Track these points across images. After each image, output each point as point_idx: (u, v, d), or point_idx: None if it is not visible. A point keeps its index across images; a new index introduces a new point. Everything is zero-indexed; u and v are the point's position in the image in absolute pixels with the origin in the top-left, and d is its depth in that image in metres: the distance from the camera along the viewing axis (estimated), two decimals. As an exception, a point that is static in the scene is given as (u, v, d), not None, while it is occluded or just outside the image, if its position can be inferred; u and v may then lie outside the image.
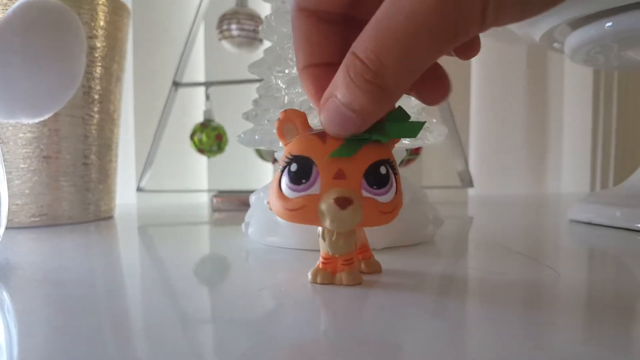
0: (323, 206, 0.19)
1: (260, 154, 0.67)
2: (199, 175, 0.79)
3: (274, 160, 0.65)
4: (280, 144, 0.21)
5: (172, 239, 0.39)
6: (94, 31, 0.45)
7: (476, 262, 0.28)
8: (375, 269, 0.24)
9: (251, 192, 0.36)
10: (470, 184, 0.63)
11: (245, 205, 0.52)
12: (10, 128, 0.42)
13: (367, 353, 0.14)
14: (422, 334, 0.16)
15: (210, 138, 0.63)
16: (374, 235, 0.28)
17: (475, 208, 0.62)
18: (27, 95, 0.29)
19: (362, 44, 0.16)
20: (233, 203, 0.57)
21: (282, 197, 0.20)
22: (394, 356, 0.14)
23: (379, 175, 0.20)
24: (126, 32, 0.50)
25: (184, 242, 0.37)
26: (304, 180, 0.19)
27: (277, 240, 0.31)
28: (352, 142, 0.19)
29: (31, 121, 0.31)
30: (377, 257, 0.25)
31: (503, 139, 0.88)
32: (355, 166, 0.19)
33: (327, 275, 0.22)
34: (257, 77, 0.33)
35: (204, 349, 0.15)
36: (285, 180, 0.20)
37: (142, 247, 0.36)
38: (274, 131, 0.30)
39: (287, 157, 0.20)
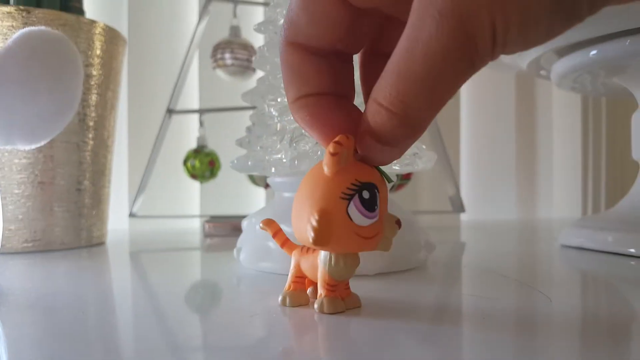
0: (388, 230, 0.20)
1: (253, 179, 0.67)
2: (191, 201, 0.79)
3: (267, 186, 0.65)
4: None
5: (164, 265, 0.39)
6: (90, 60, 0.45)
7: (468, 287, 0.29)
8: (356, 303, 0.23)
9: (243, 217, 0.36)
10: (461, 209, 0.64)
11: (238, 230, 0.52)
12: (6, 154, 0.42)
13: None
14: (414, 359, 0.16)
15: (203, 164, 0.64)
16: (366, 261, 0.28)
17: (467, 233, 0.62)
18: (24, 122, 0.29)
19: (383, 90, 0.17)
20: (225, 228, 0.57)
21: (356, 227, 0.19)
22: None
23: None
24: (122, 60, 0.51)
25: (175, 268, 0.37)
26: (375, 207, 0.19)
27: (269, 265, 0.31)
28: (379, 168, 0.20)
29: (28, 147, 0.31)
30: (371, 282, 0.25)
31: (494, 164, 0.89)
32: (385, 191, 0.20)
33: (341, 303, 0.22)
34: (250, 105, 0.34)
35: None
36: (358, 208, 0.19)
37: (134, 273, 0.36)
38: (267, 157, 0.31)
39: (354, 185, 0.19)
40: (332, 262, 0.21)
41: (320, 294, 0.22)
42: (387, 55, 0.17)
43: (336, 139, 0.19)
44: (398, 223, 0.20)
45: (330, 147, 0.19)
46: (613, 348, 0.17)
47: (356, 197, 0.19)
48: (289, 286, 0.23)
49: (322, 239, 0.19)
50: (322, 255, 0.21)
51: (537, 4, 0.14)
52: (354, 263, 0.21)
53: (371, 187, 0.19)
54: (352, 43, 0.20)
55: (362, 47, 0.21)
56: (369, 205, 0.19)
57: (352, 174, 0.19)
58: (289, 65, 0.20)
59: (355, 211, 0.19)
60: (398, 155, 0.19)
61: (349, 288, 0.22)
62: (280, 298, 0.23)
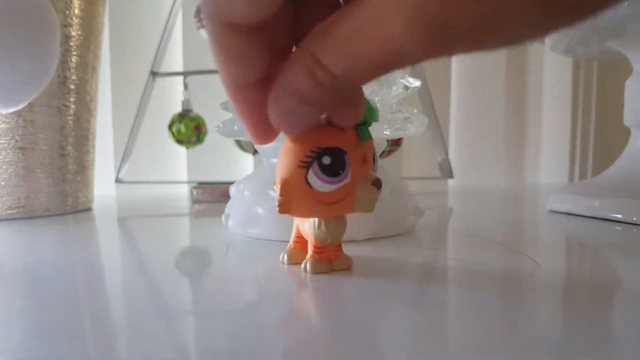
0: (361, 192, 0.19)
1: (240, 145, 0.66)
2: (178, 167, 0.78)
3: (255, 152, 0.64)
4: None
5: (152, 231, 0.38)
6: (69, 19, 0.44)
7: (456, 252, 0.29)
8: (347, 265, 0.24)
9: (232, 183, 0.36)
10: (450, 174, 0.64)
11: (226, 196, 0.52)
12: (-17, 118, 0.41)
13: (349, 341, 0.14)
14: (403, 322, 0.16)
15: (189, 129, 0.63)
16: (355, 227, 0.28)
17: (455, 199, 0.62)
18: (0, 84, 0.28)
19: (332, 57, 0.16)
20: (213, 195, 0.57)
21: (316, 193, 0.19)
22: (375, 344, 0.14)
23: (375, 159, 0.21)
24: (102, 21, 0.49)
25: (164, 235, 0.36)
26: (340, 171, 0.19)
27: (258, 232, 0.30)
28: (364, 126, 0.20)
29: (5, 111, 0.30)
30: (359, 247, 0.25)
31: (483, 131, 0.89)
32: (368, 150, 0.20)
33: (327, 265, 0.22)
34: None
35: (186, 342, 0.15)
36: (317, 175, 0.19)
37: (122, 240, 0.35)
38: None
39: (312, 151, 0.19)
40: (316, 226, 0.21)
41: (309, 255, 0.22)
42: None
43: None
44: (375, 183, 0.19)
45: None
46: (596, 310, 0.18)
47: (315, 164, 0.19)
48: (290, 245, 0.24)
49: (283, 208, 0.20)
50: (311, 219, 0.21)
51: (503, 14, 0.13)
52: (339, 227, 0.21)
53: (333, 152, 0.19)
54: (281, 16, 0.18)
55: (288, 13, 0.19)
56: (330, 171, 0.19)
57: (313, 139, 0.19)
58: (226, 47, 0.17)
59: (314, 178, 0.19)
60: (313, 120, 0.18)
61: (339, 250, 0.23)
62: (281, 256, 0.24)
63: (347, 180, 0.19)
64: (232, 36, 0.17)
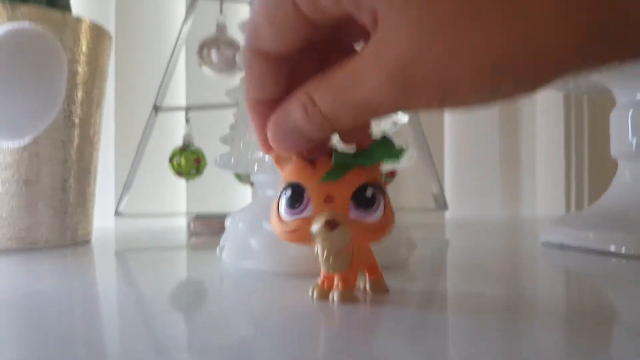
0: (314, 228, 0.21)
1: (239, 177, 0.68)
2: (178, 199, 0.79)
3: (253, 184, 0.65)
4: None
5: (149, 263, 0.39)
6: (76, 56, 0.45)
7: (450, 283, 0.29)
8: (380, 289, 0.25)
9: (229, 215, 0.36)
10: (445, 206, 0.64)
11: (223, 228, 0.53)
12: (-11, 152, 0.42)
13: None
14: (396, 354, 0.17)
15: (189, 161, 0.64)
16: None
17: (451, 231, 0.63)
18: (7, 118, 0.29)
19: (322, 98, 0.19)
20: (211, 227, 0.57)
21: (281, 221, 0.22)
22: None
23: (366, 198, 0.21)
24: (108, 57, 0.51)
25: (160, 267, 0.37)
26: (297, 205, 0.21)
27: (251, 263, 0.31)
28: (339, 168, 0.21)
29: (11, 145, 0.31)
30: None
31: (478, 162, 0.90)
32: (343, 190, 0.21)
33: (323, 292, 0.23)
34: (234, 102, 0.34)
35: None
36: (282, 204, 0.22)
37: (119, 272, 0.36)
38: (249, 155, 0.31)
39: (282, 184, 0.22)
40: (318, 254, 0.22)
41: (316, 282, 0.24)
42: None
43: None
44: (325, 224, 0.20)
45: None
46: (592, 340, 0.18)
47: (282, 195, 0.22)
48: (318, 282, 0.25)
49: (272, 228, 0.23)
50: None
51: (471, 99, 0.17)
52: (338, 259, 0.22)
53: (294, 187, 0.21)
54: (309, 54, 0.22)
55: (317, 55, 0.22)
56: (289, 203, 0.21)
57: (285, 173, 0.22)
58: (251, 70, 0.21)
59: (281, 207, 0.22)
60: (300, 147, 0.21)
61: (343, 282, 0.23)
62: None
63: (306, 214, 0.21)
64: (260, 60, 0.21)
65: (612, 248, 0.38)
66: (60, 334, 0.19)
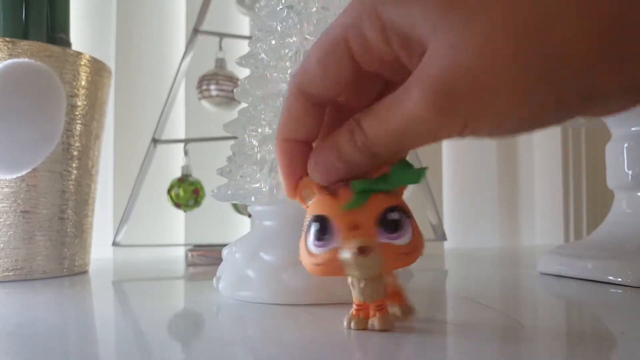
0: (346, 256, 0.21)
1: (237, 208, 0.68)
2: (176, 230, 0.79)
3: (250, 215, 0.66)
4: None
5: (146, 294, 0.39)
6: (75, 90, 0.46)
7: (447, 314, 0.29)
8: (407, 312, 0.25)
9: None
10: (443, 237, 0.64)
11: (221, 259, 0.53)
12: (-12, 183, 0.42)
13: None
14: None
15: (187, 192, 0.64)
16: (343, 288, 0.28)
17: (450, 261, 0.63)
18: (5, 151, 0.30)
19: (367, 120, 0.20)
20: (209, 257, 0.57)
21: (310, 254, 0.22)
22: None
23: (391, 221, 0.21)
24: (107, 91, 0.51)
25: (157, 298, 0.37)
26: (325, 236, 0.21)
27: (248, 294, 0.31)
28: (361, 195, 0.21)
29: (10, 176, 0.31)
30: (345, 308, 0.26)
31: (476, 192, 0.90)
32: (367, 216, 0.21)
33: (361, 321, 0.23)
34: (232, 135, 0.35)
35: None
36: (310, 238, 0.22)
37: (116, 303, 0.36)
38: (246, 186, 0.31)
39: (308, 218, 0.22)
40: (351, 284, 0.23)
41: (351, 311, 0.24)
42: None
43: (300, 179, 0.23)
44: (357, 250, 0.20)
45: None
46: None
47: (309, 229, 0.22)
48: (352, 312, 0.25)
49: (300, 262, 0.23)
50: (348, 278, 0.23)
51: (509, 115, 0.17)
52: (372, 287, 0.22)
53: (319, 219, 0.22)
54: (352, 98, 0.23)
55: (361, 103, 0.23)
56: (316, 236, 0.22)
57: (310, 208, 0.23)
58: (291, 109, 0.22)
59: (309, 241, 0.22)
60: (340, 176, 0.22)
61: (379, 309, 0.23)
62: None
63: (334, 244, 0.21)
64: (302, 101, 0.21)
65: (610, 278, 0.38)
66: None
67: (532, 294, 0.37)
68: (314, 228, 0.22)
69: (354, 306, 0.24)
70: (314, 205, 0.22)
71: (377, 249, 0.21)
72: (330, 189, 0.22)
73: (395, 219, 0.21)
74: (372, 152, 0.20)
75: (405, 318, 0.25)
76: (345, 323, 0.24)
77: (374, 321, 0.23)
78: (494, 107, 0.17)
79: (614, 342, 0.22)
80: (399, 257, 0.21)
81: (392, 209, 0.21)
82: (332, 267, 0.21)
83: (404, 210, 0.22)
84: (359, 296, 0.23)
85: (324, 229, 0.21)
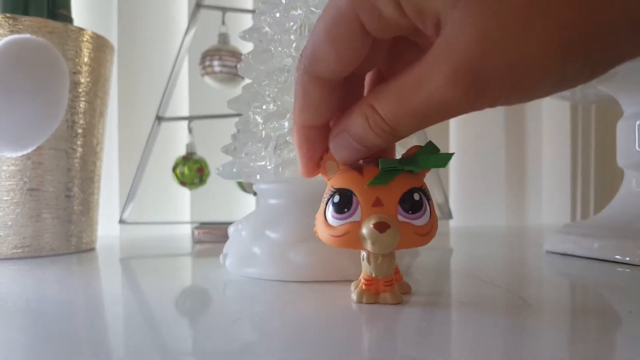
0: (364, 231, 0.21)
1: (241, 186, 0.68)
2: (181, 207, 0.79)
3: (255, 192, 0.66)
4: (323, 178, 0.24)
5: (153, 271, 0.39)
6: (78, 67, 0.46)
7: (452, 291, 0.29)
8: (406, 289, 0.26)
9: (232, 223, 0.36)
10: (449, 215, 0.64)
11: (227, 236, 0.53)
12: (-7, 161, 0.42)
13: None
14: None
15: (192, 171, 0.64)
16: (349, 266, 0.29)
17: (455, 240, 0.62)
18: (10, 129, 0.29)
19: (385, 104, 0.19)
20: (215, 235, 0.57)
21: (328, 226, 0.22)
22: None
23: (413, 202, 0.22)
24: (110, 68, 0.51)
25: (164, 274, 0.37)
26: (346, 209, 0.22)
27: (254, 271, 0.31)
28: (387, 173, 0.22)
29: (14, 154, 0.31)
30: (349, 284, 0.26)
31: (483, 171, 0.90)
32: (390, 194, 0.22)
33: (371, 296, 0.24)
34: (237, 112, 0.34)
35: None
36: (329, 210, 0.22)
37: (123, 279, 0.36)
38: (252, 164, 0.31)
39: (330, 190, 0.23)
40: (363, 259, 0.23)
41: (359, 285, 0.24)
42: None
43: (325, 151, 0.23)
44: (377, 226, 0.21)
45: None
46: (595, 347, 0.18)
47: (330, 201, 0.22)
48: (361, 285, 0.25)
49: (316, 233, 0.24)
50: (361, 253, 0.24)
51: (541, 88, 0.17)
52: (383, 263, 0.23)
53: (343, 192, 0.22)
54: (365, 67, 0.22)
55: (372, 68, 0.23)
56: (337, 208, 0.22)
57: (333, 181, 0.23)
58: (305, 96, 0.21)
59: (328, 212, 0.22)
60: (361, 155, 0.22)
61: (389, 285, 0.24)
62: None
63: (354, 218, 0.22)
64: (317, 86, 0.21)
65: (617, 257, 0.38)
66: (66, 339, 0.19)
67: (539, 272, 0.37)
68: (336, 200, 0.22)
69: (363, 281, 0.24)
70: (338, 178, 0.23)
71: (396, 227, 0.21)
72: (355, 165, 0.23)
73: (417, 200, 0.22)
74: (391, 134, 0.20)
75: (404, 294, 0.26)
76: (355, 297, 0.24)
77: (386, 296, 0.23)
78: (526, 81, 0.17)
79: (621, 321, 0.22)
80: (415, 237, 0.22)
81: (415, 190, 0.22)
82: (350, 240, 0.22)
83: (425, 193, 0.22)
84: (373, 271, 0.23)
85: (346, 202, 0.22)
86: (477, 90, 0.17)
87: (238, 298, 0.28)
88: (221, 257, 0.34)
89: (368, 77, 0.24)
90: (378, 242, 0.21)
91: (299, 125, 0.22)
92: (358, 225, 0.22)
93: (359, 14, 0.18)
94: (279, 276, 0.30)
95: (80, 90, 0.46)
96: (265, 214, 0.32)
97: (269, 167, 0.30)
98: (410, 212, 0.22)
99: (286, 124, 0.30)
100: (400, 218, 0.22)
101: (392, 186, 0.22)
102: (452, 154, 0.22)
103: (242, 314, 0.23)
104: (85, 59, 0.46)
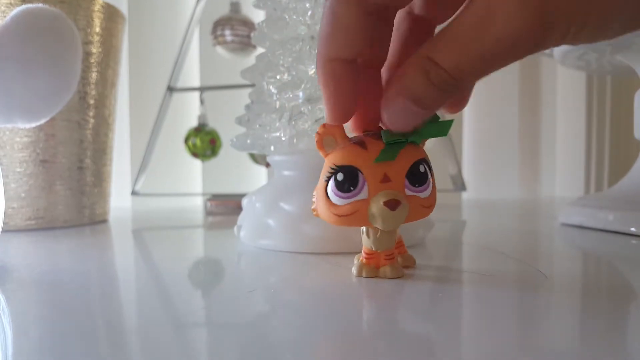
0: (374, 209, 0.20)
1: (254, 157, 0.67)
2: (193, 179, 0.80)
3: (267, 165, 0.65)
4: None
5: (166, 242, 0.39)
6: (90, 37, 0.45)
7: (466, 264, 0.29)
8: (410, 262, 0.26)
9: (245, 195, 0.36)
10: (462, 187, 0.64)
11: (239, 208, 0.53)
12: (7, 132, 0.42)
13: (357, 349, 0.15)
14: (413, 333, 0.17)
15: (204, 142, 0.64)
16: (357, 237, 0.28)
17: (469, 212, 0.62)
18: (23, 100, 0.29)
19: (446, 53, 0.17)
20: (227, 206, 0.57)
21: (331, 204, 0.21)
22: (384, 352, 0.15)
23: (419, 174, 0.21)
24: (121, 38, 0.50)
25: (177, 246, 0.37)
26: (352, 188, 0.21)
27: (268, 243, 0.31)
28: (392, 147, 0.21)
29: (27, 126, 0.31)
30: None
31: (497, 143, 0.89)
32: (397, 169, 0.21)
33: (372, 270, 0.23)
34: (250, 83, 0.34)
35: (197, 352, 0.15)
36: (332, 188, 0.21)
37: (136, 251, 0.36)
38: (266, 136, 0.31)
39: (331, 168, 0.21)
40: (363, 233, 0.23)
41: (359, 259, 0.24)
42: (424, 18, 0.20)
43: (322, 124, 0.21)
44: (387, 203, 0.20)
45: (319, 129, 0.21)
46: (608, 319, 0.18)
47: (332, 179, 0.21)
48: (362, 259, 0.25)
49: (314, 211, 0.23)
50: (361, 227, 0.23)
51: (615, 15, 0.16)
52: (384, 237, 0.22)
53: (347, 170, 0.21)
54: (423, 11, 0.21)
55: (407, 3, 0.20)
56: (341, 187, 0.21)
57: (333, 157, 0.21)
58: (338, 19, 0.19)
59: (330, 191, 0.21)
60: (421, 119, 0.20)
61: (389, 259, 0.23)
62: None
63: (361, 196, 0.21)
64: (353, 7, 0.18)
65: (633, 229, 0.37)
66: (79, 310, 0.19)
67: (553, 244, 0.37)
68: (340, 178, 0.21)
69: (364, 254, 0.24)
70: (339, 154, 0.21)
71: (406, 203, 0.21)
72: (355, 139, 0.21)
73: (422, 172, 0.21)
74: (455, 85, 0.18)
75: (406, 266, 0.26)
76: (355, 271, 0.24)
77: (386, 270, 0.23)
78: (601, 6, 0.15)
79: (635, 294, 0.22)
80: (421, 209, 0.22)
81: (420, 162, 0.21)
82: (357, 219, 0.21)
83: (427, 163, 0.22)
84: (373, 245, 0.23)
85: (352, 180, 0.21)
86: (548, 23, 0.16)
87: (252, 269, 0.28)
88: (235, 228, 0.34)
89: (396, 35, 0.22)
90: (389, 220, 0.21)
91: (324, 57, 0.20)
92: (366, 203, 0.21)
93: None
94: (293, 248, 0.30)
95: (92, 60, 0.46)
96: (280, 186, 0.32)
97: (283, 139, 0.30)
98: (417, 185, 0.21)
99: (301, 94, 0.29)
100: (408, 192, 0.21)
101: (398, 160, 0.21)
102: (452, 121, 0.21)
103: (257, 285, 0.23)
104: (97, 29, 0.46)
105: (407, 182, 0.21)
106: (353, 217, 0.21)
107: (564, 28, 0.16)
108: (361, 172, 0.21)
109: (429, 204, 0.22)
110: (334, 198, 0.21)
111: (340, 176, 0.21)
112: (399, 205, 0.20)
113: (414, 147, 0.21)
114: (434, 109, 0.19)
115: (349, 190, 0.21)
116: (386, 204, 0.20)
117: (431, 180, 0.22)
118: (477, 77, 0.18)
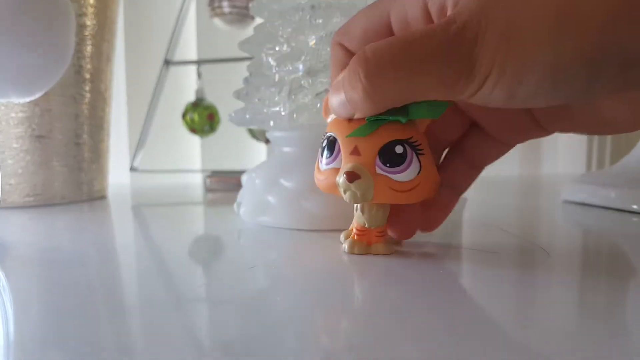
0: (339, 178, 0.21)
1: (253, 133, 0.67)
2: (192, 155, 0.79)
3: (267, 141, 0.65)
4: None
5: (165, 218, 0.39)
6: (84, 9, 0.44)
7: (467, 240, 0.29)
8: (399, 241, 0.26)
9: (244, 171, 0.36)
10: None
11: (239, 185, 0.53)
12: (2, 108, 0.41)
13: (360, 324, 0.15)
14: (412, 310, 0.17)
15: (202, 117, 0.63)
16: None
17: (470, 189, 0.62)
18: (17, 74, 0.29)
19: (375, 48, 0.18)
20: (226, 183, 0.57)
21: (318, 169, 0.23)
22: (383, 325, 0.15)
23: (394, 155, 0.20)
24: (116, 10, 0.49)
25: (177, 222, 0.37)
26: (329, 155, 0.22)
27: (268, 219, 0.31)
28: (371, 123, 0.21)
29: (22, 100, 0.31)
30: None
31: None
32: (370, 144, 0.21)
33: (363, 246, 0.24)
34: (248, 55, 0.33)
35: (197, 328, 0.15)
36: (321, 154, 0.22)
37: (136, 227, 0.36)
38: (265, 110, 0.30)
39: (324, 134, 0.22)
40: (356, 209, 0.23)
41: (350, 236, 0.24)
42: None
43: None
44: (346, 174, 0.20)
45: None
46: (610, 299, 0.17)
47: (321, 145, 0.22)
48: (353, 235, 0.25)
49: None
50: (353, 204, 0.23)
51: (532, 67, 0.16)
52: (377, 213, 0.23)
53: (330, 138, 0.22)
54: None
55: None
56: (324, 153, 0.22)
57: (329, 125, 0.23)
58: (332, 58, 0.22)
59: (319, 155, 0.23)
60: (348, 115, 0.21)
61: (381, 236, 0.23)
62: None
63: (335, 164, 0.21)
64: (339, 50, 0.22)
65: (634, 207, 0.37)
66: (79, 287, 0.19)
67: (555, 221, 0.36)
68: (324, 145, 0.22)
69: (355, 231, 0.24)
70: (332, 123, 0.22)
71: (368, 179, 0.20)
72: None
73: (398, 154, 0.20)
74: (371, 98, 0.19)
75: (397, 244, 0.25)
76: (346, 247, 0.24)
77: (378, 247, 0.23)
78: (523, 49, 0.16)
79: (635, 271, 0.22)
80: (392, 192, 0.21)
81: (398, 142, 0.20)
82: (330, 186, 0.22)
83: (414, 147, 0.21)
84: (366, 221, 0.23)
85: (331, 148, 0.22)
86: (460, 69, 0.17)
87: (252, 246, 0.28)
88: (235, 205, 0.34)
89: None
90: (347, 192, 0.21)
91: (335, 39, 0.22)
92: (337, 171, 0.21)
93: (390, 10, 0.20)
94: (293, 224, 0.30)
95: (86, 33, 0.45)
96: (280, 163, 0.32)
97: (283, 113, 0.29)
98: (388, 165, 0.20)
99: (301, 66, 0.29)
100: (379, 170, 0.20)
101: (374, 137, 0.20)
102: (446, 103, 0.20)
103: (257, 262, 0.23)
104: (91, 1, 0.44)
105: (379, 161, 0.20)
106: (327, 182, 0.22)
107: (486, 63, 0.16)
108: (338, 142, 0.21)
109: (405, 189, 0.21)
110: (321, 163, 0.22)
111: (324, 142, 0.22)
112: (357, 178, 0.20)
113: (398, 126, 0.20)
114: (357, 111, 0.20)
115: (328, 157, 0.22)
116: (346, 174, 0.20)
117: (419, 165, 0.21)
118: (393, 95, 0.18)
